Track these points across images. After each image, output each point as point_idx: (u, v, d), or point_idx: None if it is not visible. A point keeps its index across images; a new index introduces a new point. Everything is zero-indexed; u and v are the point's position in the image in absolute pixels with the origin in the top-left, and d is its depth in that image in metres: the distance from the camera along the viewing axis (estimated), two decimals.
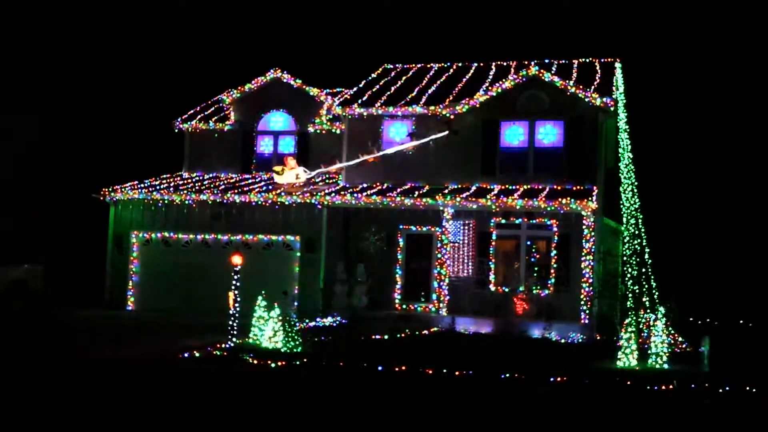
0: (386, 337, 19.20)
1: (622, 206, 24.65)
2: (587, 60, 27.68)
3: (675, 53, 43.97)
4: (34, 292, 24.71)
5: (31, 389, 12.91)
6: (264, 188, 25.07)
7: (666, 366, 16.31)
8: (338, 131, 26.49)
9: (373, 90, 26.82)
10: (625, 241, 24.65)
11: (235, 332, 17.39)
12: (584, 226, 22.02)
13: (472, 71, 28.12)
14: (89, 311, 23.86)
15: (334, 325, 21.45)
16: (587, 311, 21.55)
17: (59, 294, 25.77)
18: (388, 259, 24.60)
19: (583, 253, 21.97)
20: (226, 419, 11.40)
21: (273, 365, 15.42)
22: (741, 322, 26.15)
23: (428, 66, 29.19)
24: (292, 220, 24.22)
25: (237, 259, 17.98)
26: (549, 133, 24.04)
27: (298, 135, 27.50)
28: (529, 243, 23.88)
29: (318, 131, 27.21)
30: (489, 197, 22.56)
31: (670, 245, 29.39)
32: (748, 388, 13.99)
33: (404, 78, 28.08)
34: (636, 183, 25.93)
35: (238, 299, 17.72)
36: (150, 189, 25.53)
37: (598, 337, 20.95)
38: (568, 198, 22.00)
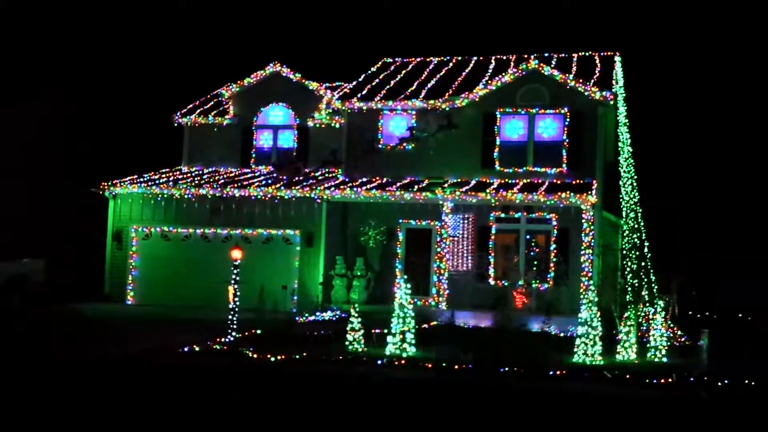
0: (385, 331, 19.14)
1: (621, 200, 24.63)
2: (587, 54, 27.63)
3: (674, 47, 43.92)
4: (34, 286, 24.71)
5: (28, 388, 12.93)
6: (263, 182, 25.07)
7: (665, 360, 16.35)
8: (338, 125, 26.46)
9: (373, 84, 26.78)
10: (625, 234, 24.64)
11: (234, 326, 17.41)
12: (584, 220, 22.02)
13: (471, 65, 28.08)
14: (89, 305, 23.87)
15: (333, 319, 21.45)
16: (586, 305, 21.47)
17: (60, 288, 25.77)
18: (387, 253, 24.62)
19: (582, 247, 21.97)
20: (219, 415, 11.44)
21: (273, 360, 15.45)
22: (740, 315, 26.14)
23: (428, 60, 29.14)
24: (291, 214, 24.23)
25: (236, 254, 17.99)
26: (548, 127, 24.03)
27: (298, 129, 27.46)
28: (528, 237, 23.89)
29: (317, 125, 27.18)
30: (488, 191, 22.56)
31: (669, 239, 29.40)
32: (747, 382, 14.00)
33: (404, 72, 28.04)
34: (635, 177, 25.92)
35: (238, 293, 17.75)
36: (149, 183, 25.54)
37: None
38: (568, 192, 22.00)
